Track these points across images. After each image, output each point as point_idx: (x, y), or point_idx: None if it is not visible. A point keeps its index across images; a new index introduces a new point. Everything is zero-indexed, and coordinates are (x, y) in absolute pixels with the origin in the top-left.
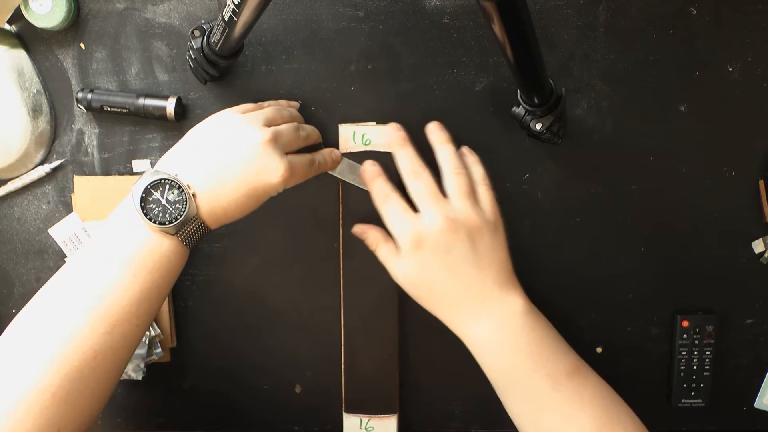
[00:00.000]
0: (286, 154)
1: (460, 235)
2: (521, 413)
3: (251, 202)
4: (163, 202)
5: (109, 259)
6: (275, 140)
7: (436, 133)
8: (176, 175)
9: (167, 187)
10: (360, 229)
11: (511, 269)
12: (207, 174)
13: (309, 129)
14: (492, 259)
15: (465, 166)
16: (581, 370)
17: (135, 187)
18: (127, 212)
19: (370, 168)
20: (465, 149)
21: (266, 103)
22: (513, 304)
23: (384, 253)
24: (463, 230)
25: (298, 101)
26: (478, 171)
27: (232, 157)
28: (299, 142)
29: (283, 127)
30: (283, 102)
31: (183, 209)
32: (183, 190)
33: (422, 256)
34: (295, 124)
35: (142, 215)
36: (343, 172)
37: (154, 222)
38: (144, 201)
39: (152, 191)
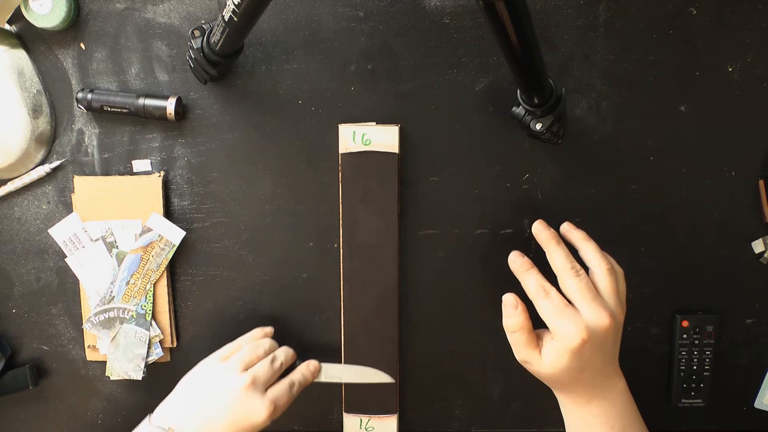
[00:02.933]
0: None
1: (614, 333)
2: None
3: None
4: None
5: None
6: (254, 383)
7: (572, 232)
8: (169, 428)
9: None
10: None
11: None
12: (198, 423)
13: (282, 356)
14: (616, 349)
15: (609, 261)
16: None
17: None
18: None
19: (520, 260)
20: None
21: (243, 339)
22: (616, 388)
23: (527, 341)
24: (617, 328)
25: (270, 328)
26: (612, 265)
27: (218, 406)
28: (276, 373)
29: (260, 366)
30: (257, 332)
31: None
32: None
33: (582, 352)
34: (270, 357)
35: None
36: (328, 376)
37: None
38: None
39: None
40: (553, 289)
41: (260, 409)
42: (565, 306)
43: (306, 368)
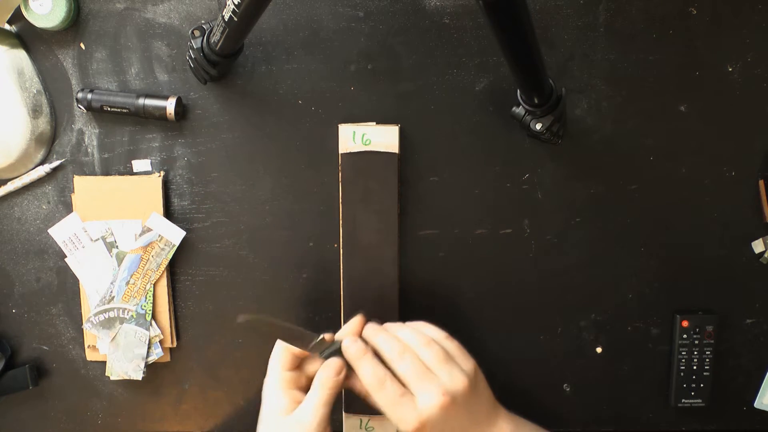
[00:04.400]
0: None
1: (457, 406)
2: None
3: None
4: None
5: None
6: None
7: (369, 330)
8: None
9: None
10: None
11: (494, 400)
12: None
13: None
14: (481, 407)
15: (422, 334)
16: None
17: None
18: None
19: (353, 347)
20: (379, 326)
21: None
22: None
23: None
24: (459, 400)
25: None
26: (431, 332)
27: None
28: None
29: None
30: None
31: None
32: None
33: None
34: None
35: None
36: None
37: None
38: None
39: None
40: (389, 378)
41: (275, 401)
42: (400, 395)
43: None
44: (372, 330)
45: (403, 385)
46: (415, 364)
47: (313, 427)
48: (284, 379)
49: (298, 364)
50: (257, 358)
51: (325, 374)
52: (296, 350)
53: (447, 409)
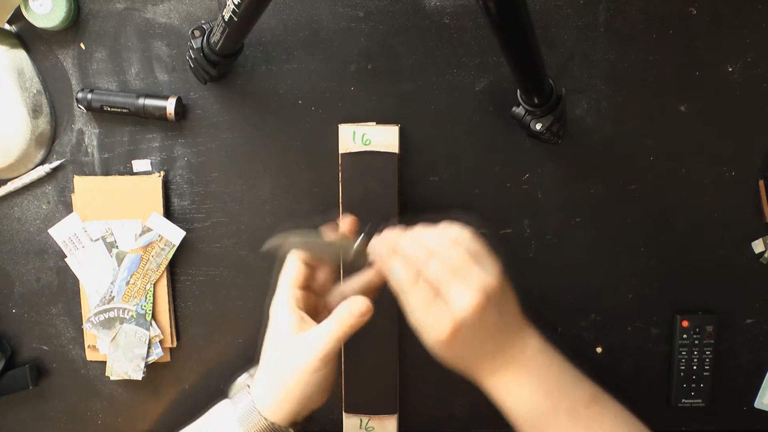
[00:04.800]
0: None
1: (490, 306)
2: None
3: (304, 382)
4: None
5: None
6: (279, 296)
7: (392, 235)
8: (259, 409)
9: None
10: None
11: (520, 311)
12: (276, 392)
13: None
14: (509, 309)
15: (445, 236)
16: (598, 398)
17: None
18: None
19: (383, 245)
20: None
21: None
22: (530, 347)
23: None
24: (492, 299)
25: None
26: (455, 234)
27: (284, 362)
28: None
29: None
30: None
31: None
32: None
33: (457, 339)
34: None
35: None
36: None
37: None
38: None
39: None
40: (423, 276)
41: (283, 318)
42: (433, 297)
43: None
44: (394, 234)
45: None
46: (445, 266)
47: (321, 354)
48: (294, 297)
49: (310, 283)
50: (257, 358)
51: (349, 311)
52: (309, 262)
53: (482, 309)
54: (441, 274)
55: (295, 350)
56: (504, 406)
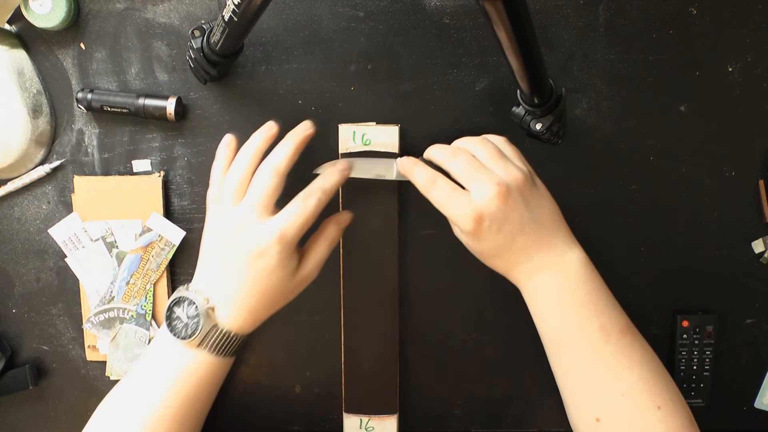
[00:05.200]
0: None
1: (513, 198)
2: (569, 370)
3: (269, 294)
4: (184, 319)
5: (153, 372)
6: (247, 206)
7: (433, 149)
8: (196, 291)
9: (185, 303)
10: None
11: (562, 217)
12: (225, 283)
13: (277, 159)
14: (543, 210)
15: (477, 137)
16: (632, 330)
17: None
18: (164, 329)
19: (406, 160)
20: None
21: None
22: (570, 254)
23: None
24: (514, 192)
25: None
26: (483, 137)
27: (231, 254)
28: (278, 186)
29: (252, 188)
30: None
31: (199, 323)
32: (198, 306)
33: (483, 229)
34: (260, 169)
35: (168, 331)
36: (361, 170)
37: (178, 337)
38: (170, 318)
39: (175, 309)
40: (440, 176)
41: (262, 234)
42: (452, 190)
43: (332, 168)
44: (414, 160)
45: (458, 184)
46: (468, 161)
47: (280, 234)
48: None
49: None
50: (257, 358)
51: (315, 186)
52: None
53: (503, 199)
54: (464, 168)
55: (254, 235)
56: (537, 313)
